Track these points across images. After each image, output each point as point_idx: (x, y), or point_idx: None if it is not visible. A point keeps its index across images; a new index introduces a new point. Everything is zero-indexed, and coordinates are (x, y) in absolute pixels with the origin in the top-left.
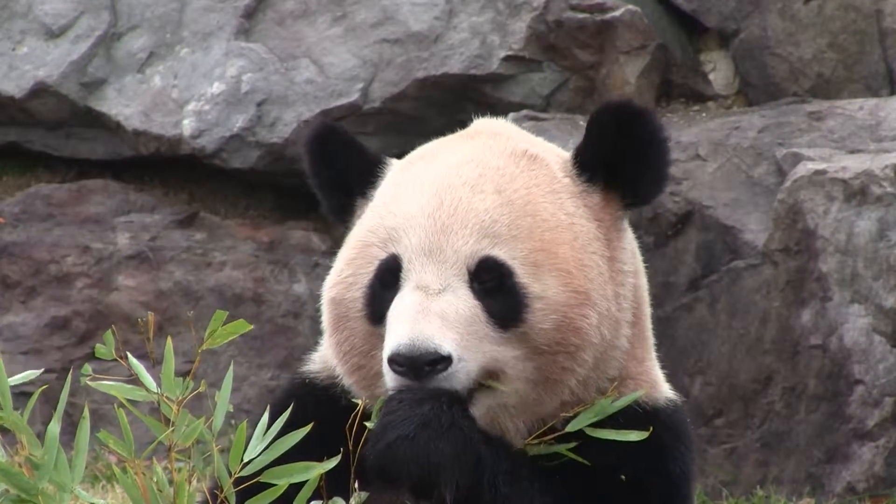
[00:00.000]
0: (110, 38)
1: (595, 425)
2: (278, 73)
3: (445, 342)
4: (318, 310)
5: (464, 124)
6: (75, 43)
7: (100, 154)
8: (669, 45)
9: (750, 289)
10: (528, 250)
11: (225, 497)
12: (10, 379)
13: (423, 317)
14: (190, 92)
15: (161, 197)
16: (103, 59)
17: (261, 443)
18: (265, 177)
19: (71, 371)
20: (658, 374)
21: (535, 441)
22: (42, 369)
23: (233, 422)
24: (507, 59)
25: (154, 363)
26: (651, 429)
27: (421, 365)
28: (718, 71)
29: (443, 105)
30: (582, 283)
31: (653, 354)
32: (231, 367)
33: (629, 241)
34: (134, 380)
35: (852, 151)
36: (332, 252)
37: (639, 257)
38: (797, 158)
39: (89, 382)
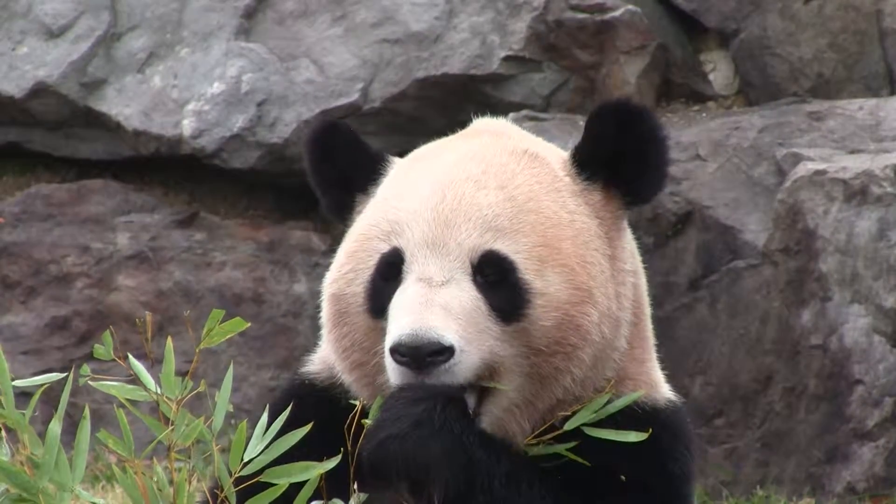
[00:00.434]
0: (110, 38)
1: (594, 425)
2: (278, 73)
3: (448, 333)
4: (318, 308)
5: (464, 124)
6: (75, 43)
7: (100, 154)
8: (669, 45)
9: (750, 289)
10: (531, 246)
11: (225, 497)
12: (17, 382)
13: (427, 308)
14: (190, 92)
15: (161, 197)
16: (103, 59)
17: (261, 443)
18: (265, 177)
19: (71, 371)
20: (658, 375)
21: (535, 441)
22: (52, 374)
23: (233, 422)
24: (507, 59)
25: (153, 363)
26: (650, 430)
27: (423, 355)
28: (718, 71)
29: (443, 105)
30: (584, 280)
31: (653, 355)
32: (231, 367)
33: (629, 241)
34: (134, 380)
35: (852, 151)
36: (332, 252)
37: (638, 257)
38: (797, 158)
39: (90, 382)
